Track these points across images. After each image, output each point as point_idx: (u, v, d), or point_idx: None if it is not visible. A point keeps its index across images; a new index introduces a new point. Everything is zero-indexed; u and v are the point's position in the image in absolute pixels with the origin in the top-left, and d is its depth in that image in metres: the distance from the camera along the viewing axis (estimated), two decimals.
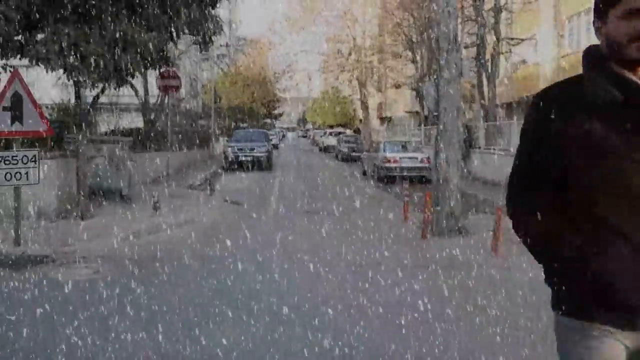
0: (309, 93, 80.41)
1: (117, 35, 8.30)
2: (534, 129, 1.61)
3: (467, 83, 22.89)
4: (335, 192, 14.83)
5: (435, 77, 9.37)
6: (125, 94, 21.39)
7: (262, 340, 4.23)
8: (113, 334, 4.28)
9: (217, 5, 10.12)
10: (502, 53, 20.33)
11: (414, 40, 26.39)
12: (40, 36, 8.54)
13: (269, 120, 56.39)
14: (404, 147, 18.90)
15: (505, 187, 1.77)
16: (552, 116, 1.54)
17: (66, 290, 5.55)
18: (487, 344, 4.23)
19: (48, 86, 15.84)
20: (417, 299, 5.15)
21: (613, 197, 1.48)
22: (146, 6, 8.71)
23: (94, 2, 8.28)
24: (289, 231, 8.87)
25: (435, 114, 9.43)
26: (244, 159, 22.16)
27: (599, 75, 1.56)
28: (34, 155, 7.55)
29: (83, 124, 9.84)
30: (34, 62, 8.44)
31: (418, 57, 26.35)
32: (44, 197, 9.00)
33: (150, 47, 8.54)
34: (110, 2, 8.42)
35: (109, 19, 8.40)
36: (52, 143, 9.46)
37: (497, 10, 19.21)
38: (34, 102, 7.69)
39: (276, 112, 58.99)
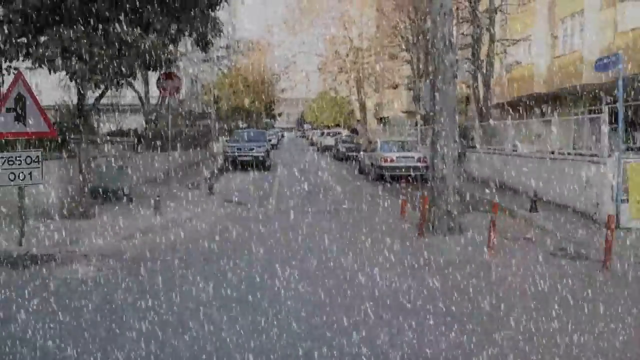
0: (307, 93, 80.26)
1: (119, 37, 8.41)
2: None
3: (463, 83, 23.05)
4: (333, 191, 14.97)
5: (431, 77, 9.51)
6: (127, 95, 21.54)
7: (262, 336, 4.35)
8: (116, 330, 4.39)
9: (217, 8, 10.24)
10: (497, 54, 20.49)
11: (410, 41, 26.55)
12: (43, 39, 8.65)
13: (267, 121, 56.47)
14: (401, 147, 19.04)
15: None
16: None
17: (69, 288, 5.67)
18: (479, 339, 4.37)
19: (51, 88, 15.95)
20: (412, 295, 5.28)
21: None
22: (147, 9, 8.83)
23: (95, 5, 8.40)
24: (288, 229, 8.98)
25: (432, 113, 9.58)
26: (243, 158, 22.29)
27: None
28: (37, 156, 7.66)
29: (85, 125, 9.97)
30: (37, 64, 8.54)
31: (414, 58, 26.51)
32: (47, 197, 9.12)
33: (151, 49, 8.66)
34: (112, 5, 8.54)
35: (111, 21, 8.52)
36: (55, 144, 9.58)
37: (492, 11, 19.39)
38: (37, 103, 7.81)
39: (275, 112, 59.10)
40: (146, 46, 8.60)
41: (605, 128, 10.15)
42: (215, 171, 19.83)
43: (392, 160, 17.76)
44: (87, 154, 9.96)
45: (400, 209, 10.79)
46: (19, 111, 7.65)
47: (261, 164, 22.05)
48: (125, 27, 8.48)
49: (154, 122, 20.44)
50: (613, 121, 10.17)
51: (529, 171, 13.15)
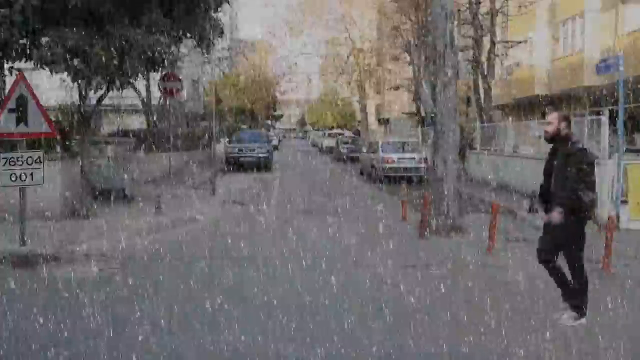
0: (308, 95, 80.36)
1: (120, 38, 8.44)
2: None
3: (464, 85, 23.07)
4: (334, 192, 14.98)
5: (432, 79, 9.54)
6: (129, 96, 21.58)
7: (263, 335, 4.37)
8: (118, 330, 4.41)
9: (219, 9, 10.27)
10: (498, 56, 20.51)
11: (411, 43, 26.58)
12: (44, 39, 8.68)
13: (269, 122, 56.51)
14: (402, 148, 19.04)
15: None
16: None
17: (71, 288, 5.68)
18: (477, 339, 4.38)
19: (52, 88, 16.00)
20: (412, 296, 5.29)
21: None
22: (148, 10, 8.86)
23: (97, 6, 8.43)
24: (289, 230, 9.01)
25: (432, 115, 9.60)
26: (244, 159, 22.30)
27: None
28: (39, 157, 7.66)
29: (86, 126, 10.00)
30: (38, 65, 8.58)
31: (415, 60, 26.54)
32: (49, 197, 9.14)
33: (153, 50, 8.69)
34: (114, 6, 8.57)
35: (112, 22, 8.55)
36: (57, 144, 9.60)
37: (493, 13, 19.41)
38: (38, 104, 7.82)
39: (276, 113, 59.14)
40: (148, 47, 8.62)
41: (605, 130, 10.15)
42: (217, 172, 19.84)
43: (393, 161, 17.77)
44: (88, 154, 9.99)
45: (401, 210, 10.80)
46: (21, 112, 7.67)
47: (262, 165, 22.05)
48: (126, 28, 8.52)
49: (155, 123, 20.49)
50: (615, 123, 10.17)
51: (529, 172, 13.16)
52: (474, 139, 18.67)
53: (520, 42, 21.27)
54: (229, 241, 8.07)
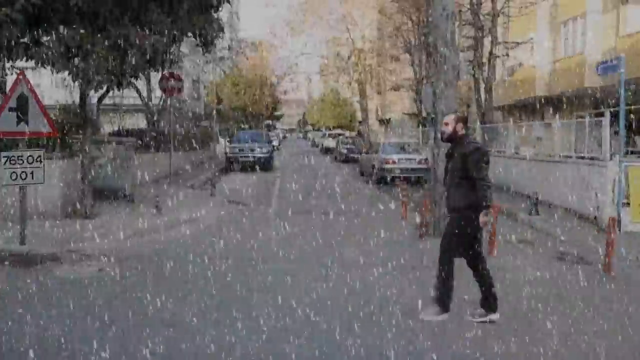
0: (309, 95, 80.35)
1: (121, 38, 8.43)
2: None
3: (464, 85, 23.06)
4: (335, 193, 14.98)
5: (432, 79, 9.53)
6: (129, 96, 21.61)
7: (262, 335, 4.37)
8: (118, 330, 4.41)
9: (220, 9, 10.26)
10: (499, 56, 20.50)
11: (412, 43, 26.57)
12: (45, 39, 8.67)
13: (269, 122, 56.55)
14: (402, 149, 19.03)
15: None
16: None
17: (71, 288, 5.69)
18: (476, 341, 4.38)
19: (53, 87, 16.00)
20: (410, 298, 5.29)
21: None
22: (149, 9, 8.84)
23: (98, 6, 8.42)
24: (289, 230, 9.01)
25: (433, 115, 9.59)
26: (245, 159, 22.31)
27: None
28: (39, 156, 7.68)
29: (87, 125, 9.99)
30: (39, 64, 8.56)
31: (416, 60, 26.54)
32: (49, 196, 9.15)
33: (153, 49, 8.67)
34: (115, 5, 8.56)
35: (113, 22, 8.54)
36: (57, 143, 9.61)
37: (494, 14, 19.39)
38: (39, 103, 7.83)
39: (277, 113, 59.16)
40: (148, 46, 8.61)
41: (606, 131, 10.14)
42: (217, 172, 19.86)
43: (393, 162, 17.77)
44: (89, 153, 9.98)
45: (402, 211, 10.80)
46: (22, 111, 7.67)
47: (263, 165, 22.05)
48: (127, 27, 8.51)
49: (156, 123, 20.50)
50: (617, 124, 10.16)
51: (530, 174, 13.16)
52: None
53: (521, 43, 21.26)
54: (229, 241, 8.07)
